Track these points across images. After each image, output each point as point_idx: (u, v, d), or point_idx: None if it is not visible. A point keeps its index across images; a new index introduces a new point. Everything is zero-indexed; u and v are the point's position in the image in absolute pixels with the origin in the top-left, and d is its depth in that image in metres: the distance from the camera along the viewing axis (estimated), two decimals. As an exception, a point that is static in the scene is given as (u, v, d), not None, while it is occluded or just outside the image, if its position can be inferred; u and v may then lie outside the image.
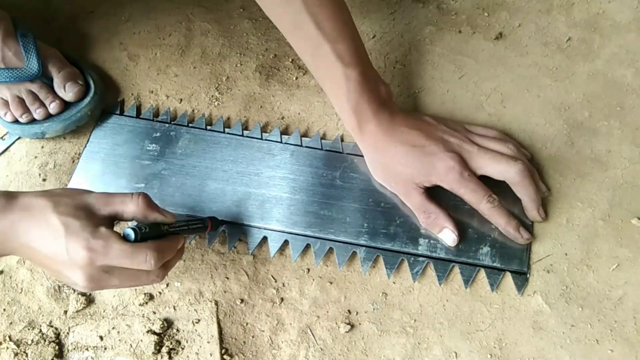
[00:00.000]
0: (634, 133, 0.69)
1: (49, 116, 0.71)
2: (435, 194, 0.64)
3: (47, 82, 0.71)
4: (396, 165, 0.63)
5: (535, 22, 0.78)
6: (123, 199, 0.54)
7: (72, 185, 0.68)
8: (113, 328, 0.62)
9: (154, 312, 0.62)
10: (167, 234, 0.55)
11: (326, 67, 0.63)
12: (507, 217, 0.62)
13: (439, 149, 0.62)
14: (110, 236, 0.51)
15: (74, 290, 0.63)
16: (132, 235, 0.52)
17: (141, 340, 0.61)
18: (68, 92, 0.70)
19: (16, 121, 0.71)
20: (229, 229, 0.65)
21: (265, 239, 0.65)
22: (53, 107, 0.70)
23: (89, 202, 0.53)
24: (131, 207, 0.54)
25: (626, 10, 0.78)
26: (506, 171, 0.62)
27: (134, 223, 0.54)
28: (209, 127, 0.72)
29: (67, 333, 0.62)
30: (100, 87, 0.73)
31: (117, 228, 0.56)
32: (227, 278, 0.64)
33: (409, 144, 0.63)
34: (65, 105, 0.71)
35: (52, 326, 0.62)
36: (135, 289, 0.63)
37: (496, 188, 0.62)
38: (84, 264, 0.50)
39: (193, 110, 0.74)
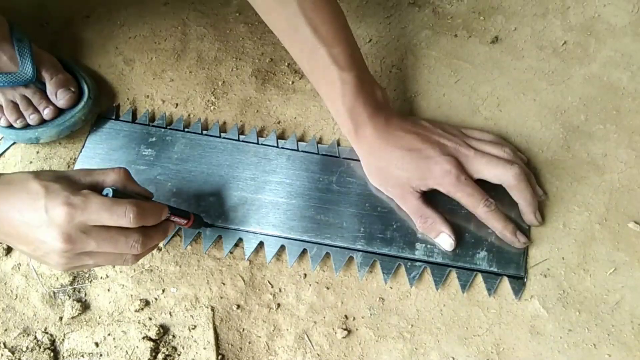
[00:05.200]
0: (630, 137, 0.69)
1: (43, 121, 0.71)
2: (432, 198, 0.64)
3: (41, 88, 0.71)
4: (392, 169, 0.63)
5: (531, 26, 0.78)
6: (104, 170, 0.55)
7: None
8: (109, 334, 0.61)
9: (150, 318, 0.62)
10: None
11: (322, 70, 0.63)
12: (504, 221, 0.62)
13: (435, 152, 0.62)
14: (90, 193, 0.51)
15: (69, 296, 0.63)
16: (111, 192, 0.52)
17: (137, 347, 0.60)
18: (60, 99, 0.70)
19: (10, 126, 0.71)
20: (226, 235, 0.65)
21: (261, 244, 0.65)
22: (47, 113, 0.70)
23: (69, 174, 0.54)
24: (112, 176, 0.55)
25: (621, 14, 0.78)
26: (503, 175, 0.62)
27: None
28: (205, 132, 0.71)
29: (63, 340, 0.61)
30: (95, 92, 0.73)
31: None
32: (224, 284, 0.64)
33: (405, 148, 0.63)
34: (60, 111, 0.71)
35: (47, 333, 0.62)
36: (131, 296, 0.63)
37: (493, 192, 0.62)
38: (62, 221, 0.49)
39: (189, 115, 0.74)
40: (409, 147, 0.62)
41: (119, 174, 0.55)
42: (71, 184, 0.52)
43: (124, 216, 0.51)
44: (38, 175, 0.52)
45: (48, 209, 0.49)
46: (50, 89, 0.70)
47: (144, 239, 0.54)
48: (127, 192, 0.55)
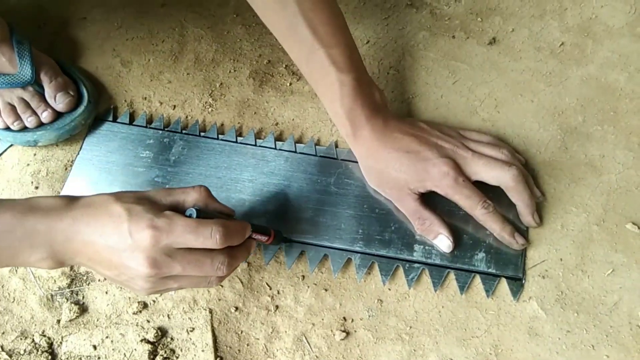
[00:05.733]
0: (628, 137, 0.70)
1: (40, 124, 0.70)
2: (430, 200, 0.64)
3: (40, 91, 0.70)
4: (390, 171, 0.63)
5: (529, 27, 0.78)
6: (184, 189, 0.53)
7: (64, 192, 0.68)
8: (107, 337, 0.61)
9: (148, 321, 0.62)
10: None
11: (320, 72, 0.63)
12: (501, 223, 0.62)
13: (433, 154, 0.62)
14: (173, 215, 0.50)
15: (67, 299, 0.63)
16: (195, 213, 0.51)
17: (135, 349, 0.60)
18: (58, 103, 0.70)
19: (8, 128, 0.70)
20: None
21: (259, 246, 0.65)
22: (45, 116, 0.70)
23: (150, 194, 0.52)
24: (193, 195, 0.53)
25: (618, 15, 0.78)
26: (500, 176, 0.62)
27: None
28: (202, 134, 0.71)
29: (60, 342, 0.61)
30: (94, 96, 0.73)
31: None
32: (222, 286, 0.64)
33: (402, 150, 0.63)
34: (59, 114, 0.71)
35: (44, 336, 0.61)
36: (129, 298, 0.63)
37: (491, 193, 0.62)
38: (147, 245, 0.48)
39: (187, 117, 0.74)
40: (407, 149, 0.62)
41: (199, 193, 0.53)
42: (153, 205, 0.51)
43: (209, 238, 0.49)
44: (119, 197, 0.50)
45: (132, 232, 0.48)
46: (49, 92, 0.70)
47: (229, 260, 0.52)
48: (209, 211, 0.53)
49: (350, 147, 0.66)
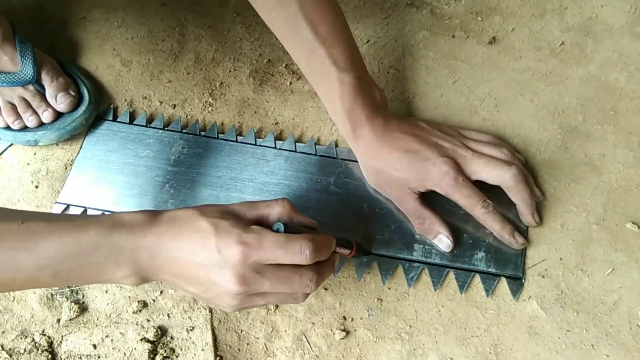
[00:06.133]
0: (628, 137, 0.70)
1: (41, 124, 0.70)
2: (430, 199, 0.64)
3: (41, 90, 0.70)
4: (390, 170, 0.63)
5: (529, 27, 0.78)
6: (267, 203, 0.52)
7: (64, 192, 0.68)
8: (106, 336, 0.61)
9: (148, 320, 0.62)
10: None
11: (321, 71, 0.63)
12: (501, 222, 0.62)
13: (433, 154, 0.62)
14: (262, 230, 0.48)
15: (67, 298, 0.63)
16: (282, 227, 0.50)
17: (135, 349, 0.60)
18: (59, 103, 0.70)
19: (8, 127, 0.70)
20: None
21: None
22: (45, 116, 0.70)
23: (234, 208, 0.51)
24: (277, 209, 0.52)
25: (619, 14, 0.78)
26: (500, 176, 0.62)
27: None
28: (202, 133, 0.71)
29: (60, 342, 0.61)
30: (95, 96, 0.73)
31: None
32: (222, 285, 0.63)
33: (402, 149, 0.63)
34: (59, 114, 0.71)
35: (44, 335, 0.62)
36: (129, 297, 0.63)
37: (491, 193, 0.62)
38: (236, 261, 0.47)
39: (187, 116, 0.74)
40: (407, 149, 0.62)
41: (283, 206, 0.52)
42: (238, 219, 0.49)
43: (299, 253, 0.48)
44: (203, 211, 0.49)
45: (221, 248, 0.47)
46: (50, 92, 0.70)
47: (317, 277, 0.51)
48: (295, 225, 0.52)
49: (350, 146, 0.66)
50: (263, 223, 0.51)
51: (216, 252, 0.47)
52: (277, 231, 0.50)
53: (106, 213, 0.66)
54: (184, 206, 0.51)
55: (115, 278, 0.49)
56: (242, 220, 0.50)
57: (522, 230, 0.64)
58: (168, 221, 0.49)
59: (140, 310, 0.62)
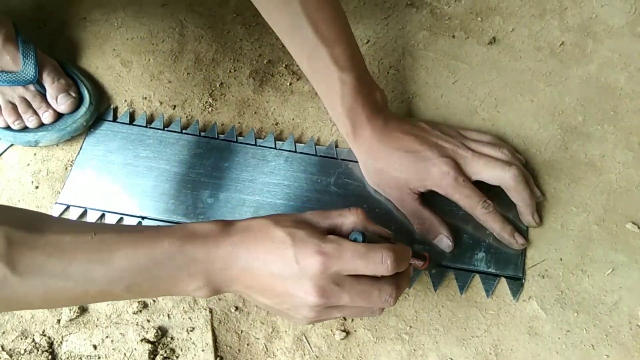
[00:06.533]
0: (628, 137, 0.70)
1: (41, 125, 0.71)
2: (430, 199, 0.64)
3: (41, 91, 0.71)
4: (390, 170, 0.63)
5: (529, 27, 0.78)
6: (340, 212, 0.51)
7: (65, 192, 0.68)
8: (107, 337, 0.61)
9: (148, 321, 0.62)
10: None
11: (322, 71, 0.63)
12: (501, 223, 0.62)
13: (434, 154, 0.62)
14: (340, 239, 0.47)
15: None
16: (360, 237, 0.48)
17: (135, 349, 0.60)
18: (60, 104, 0.70)
19: (8, 127, 0.71)
20: None
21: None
22: (46, 117, 0.70)
23: (307, 217, 0.50)
24: (351, 218, 0.50)
25: (619, 15, 0.78)
26: (501, 176, 0.62)
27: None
28: (202, 134, 0.71)
29: (61, 342, 0.61)
30: (95, 97, 0.73)
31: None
32: (222, 285, 0.64)
33: (402, 150, 0.62)
34: (60, 115, 0.71)
35: (45, 335, 0.62)
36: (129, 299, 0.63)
37: (491, 193, 0.62)
38: (315, 272, 0.45)
39: (187, 117, 0.74)
40: (407, 149, 0.62)
41: (357, 215, 0.50)
42: (313, 229, 0.48)
43: (381, 263, 0.46)
44: (277, 221, 0.48)
45: (299, 259, 0.46)
46: (51, 93, 0.70)
47: (396, 291, 0.49)
48: (372, 235, 0.50)
49: (350, 146, 0.66)
50: (336, 232, 0.50)
51: (294, 263, 0.46)
52: (355, 240, 0.48)
53: (106, 214, 0.66)
54: (255, 216, 0.50)
55: (188, 290, 0.48)
56: (318, 229, 0.49)
57: (522, 231, 0.64)
58: (241, 230, 0.48)
59: (140, 311, 0.62)
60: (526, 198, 0.62)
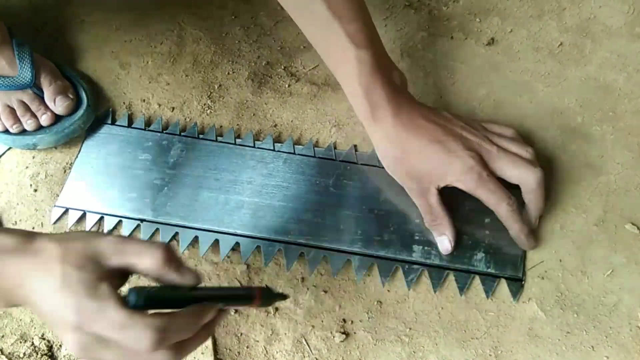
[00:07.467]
0: (627, 138, 0.70)
1: (39, 127, 0.70)
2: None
3: (39, 94, 0.70)
4: (411, 160, 0.60)
5: (527, 28, 0.78)
6: (140, 248, 0.44)
7: (63, 195, 0.68)
8: (106, 340, 0.61)
9: (147, 324, 0.62)
10: (187, 301, 0.44)
11: (336, 48, 0.60)
12: (522, 222, 0.60)
13: (459, 146, 0.59)
14: (108, 298, 0.42)
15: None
16: (132, 299, 0.42)
17: (134, 352, 0.60)
18: (58, 106, 0.70)
19: (6, 131, 0.70)
20: (223, 239, 0.65)
21: (258, 247, 0.65)
22: (44, 119, 0.70)
23: (100, 250, 0.44)
24: (146, 261, 0.44)
25: (617, 15, 0.78)
26: (525, 176, 0.60)
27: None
28: (201, 136, 0.71)
29: (60, 345, 0.61)
30: (93, 99, 0.73)
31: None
32: (221, 288, 0.63)
33: (426, 139, 0.59)
34: (57, 117, 0.71)
35: (44, 339, 0.61)
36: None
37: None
38: (72, 328, 0.42)
39: (185, 119, 0.73)
40: (431, 139, 0.59)
41: (155, 259, 0.44)
42: (96, 269, 0.43)
43: (135, 341, 0.41)
44: (65, 254, 0.43)
45: (59, 308, 0.42)
46: (48, 95, 0.70)
47: (174, 353, 0.43)
48: (154, 294, 0.44)
49: (367, 129, 0.62)
50: (130, 272, 0.45)
51: (57, 310, 0.42)
52: (127, 302, 0.42)
53: (105, 216, 0.66)
54: (58, 235, 0.46)
55: None
56: (101, 270, 0.43)
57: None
58: (33, 254, 0.44)
59: (139, 314, 0.62)
60: (540, 204, 0.61)
